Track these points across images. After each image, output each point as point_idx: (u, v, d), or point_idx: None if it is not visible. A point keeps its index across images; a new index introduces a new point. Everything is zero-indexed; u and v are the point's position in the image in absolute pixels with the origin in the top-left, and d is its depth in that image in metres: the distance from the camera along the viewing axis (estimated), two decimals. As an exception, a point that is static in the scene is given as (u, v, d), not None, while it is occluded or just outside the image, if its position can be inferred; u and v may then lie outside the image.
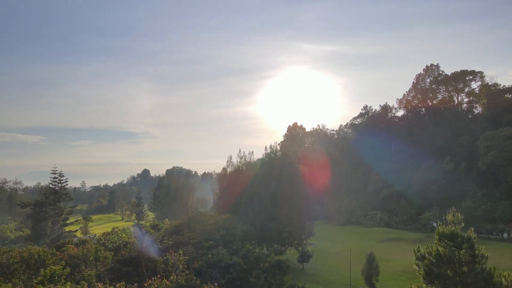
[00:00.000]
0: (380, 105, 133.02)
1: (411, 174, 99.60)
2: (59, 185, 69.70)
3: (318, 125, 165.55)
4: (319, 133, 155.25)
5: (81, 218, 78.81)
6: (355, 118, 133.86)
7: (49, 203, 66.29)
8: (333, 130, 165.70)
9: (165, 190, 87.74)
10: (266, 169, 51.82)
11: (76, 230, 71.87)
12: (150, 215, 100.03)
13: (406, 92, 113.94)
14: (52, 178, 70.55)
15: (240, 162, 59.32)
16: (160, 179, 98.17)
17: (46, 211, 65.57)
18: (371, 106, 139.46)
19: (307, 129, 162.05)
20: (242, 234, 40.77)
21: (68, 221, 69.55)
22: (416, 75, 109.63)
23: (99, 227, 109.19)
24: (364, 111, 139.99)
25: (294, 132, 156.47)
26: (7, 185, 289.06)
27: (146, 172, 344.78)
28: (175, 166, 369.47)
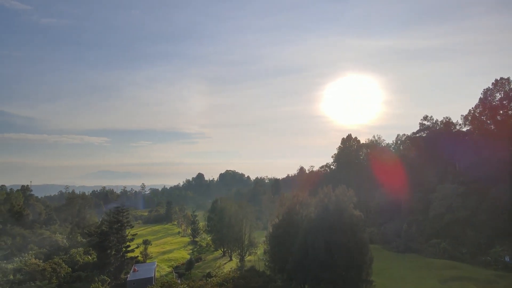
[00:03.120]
0: (443, 118, 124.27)
1: (479, 199, 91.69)
2: (122, 214, 73.67)
3: (374, 136, 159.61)
4: (375, 146, 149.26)
5: (141, 242, 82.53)
6: (414, 133, 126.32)
7: (112, 232, 70.36)
8: (389, 143, 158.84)
9: (219, 214, 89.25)
10: (320, 214, 50.30)
11: (137, 256, 75.46)
12: (207, 238, 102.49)
13: (472, 107, 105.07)
14: (115, 208, 75.05)
15: (293, 202, 58.43)
16: (214, 201, 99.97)
17: (110, 239, 69.66)
18: (431, 116, 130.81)
19: (362, 140, 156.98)
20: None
21: (129, 248, 73.26)
22: (484, 89, 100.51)
23: (157, 242, 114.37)
24: (424, 123, 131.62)
25: (348, 145, 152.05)
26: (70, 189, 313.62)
27: (200, 176, 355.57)
28: (228, 170, 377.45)
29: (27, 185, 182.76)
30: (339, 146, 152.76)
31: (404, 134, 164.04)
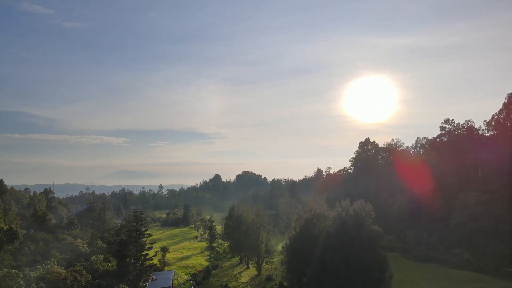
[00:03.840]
0: (465, 121, 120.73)
1: (504, 208, 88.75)
2: (140, 222, 74.62)
3: (393, 140, 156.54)
4: (393, 150, 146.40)
5: (159, 249, 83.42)
6: (435, 138, 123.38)
7: (131, 241, 71.32)
8: (408, 146, 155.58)
9: (236, 222, 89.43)
10: (338, 229, 49.61)
11: (155, 265, 76.28)
12: (224, 244, 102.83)
13: (496, 113, 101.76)
14: (133, 216, 76.10)
15: (310, 215, 57.87)
16: (231, 208, 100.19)
17: (129, 248, 70.64)
18: (452, 119, 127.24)
19: (380, 143, 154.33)
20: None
21: (147, 256, 74.13)
22: (508, 94, 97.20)
23: (175, 246, 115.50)
24: (444, 126, 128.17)
25: (366, 148, 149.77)
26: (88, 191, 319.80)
27: (217, 177, 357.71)
28: (245, 171, 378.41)
29: (50, 188, 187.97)
30: (357, 150, 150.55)
31: (424, 137, 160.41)
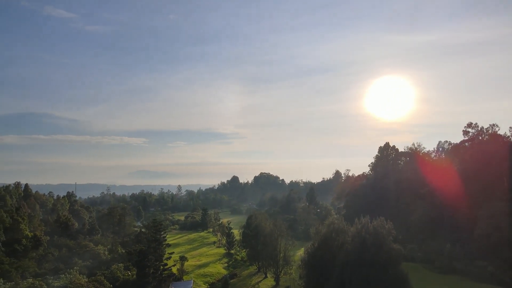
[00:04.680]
0: (489, 125, 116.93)
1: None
2: (159, 233, 75.50)
3: (413, 144, 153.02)
4: (414, 155, 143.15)
5: (178, 258, 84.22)
6: (458, 144, 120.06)
7: (150, 251, 72.24)
8: (430, 150, 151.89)
9: (254, 231, 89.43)
10: (358, 247, 48.80)
11: (174, 274, 77.04)
12: (242, 252, 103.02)
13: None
14: (153, 226, 77.15)
15: (328, 230, 57.19)
16: (249, 217, 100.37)
17: (149, 258, 71.56)
18: (476, 123, 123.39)
19: (401, 148, 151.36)
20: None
21: (166, 266, 74.93)
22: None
23: (193, 252, 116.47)
24: (468, 130, 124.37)
25: (386, 154, 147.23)
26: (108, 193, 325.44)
27: (235, 179, 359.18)
28: (263, 172, 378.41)
29: (72, 191, 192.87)
30: (376, 155, 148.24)
31: (446, 141, 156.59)
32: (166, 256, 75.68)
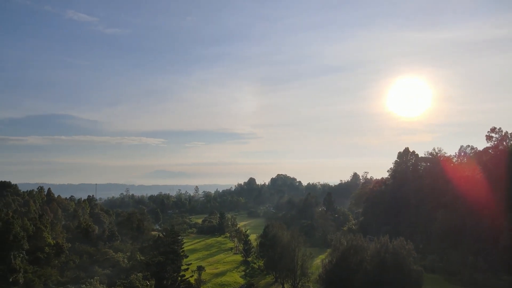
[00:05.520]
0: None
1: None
2: (177, 244, 76.13)
3: (434, 149, 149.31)
4: (435, 160, 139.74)
5: (195, 268, 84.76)
6: (481, 151, 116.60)
7: (168, 263, 72.92)
8: (452, 154, 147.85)
9: (271, 241, 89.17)
10: (377, 267, 47.84)
11: (192, 285, 77.52)
12: (259, 261, 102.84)
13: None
14: (170, 237, 77.86)
15: (347, 247, 56.34)
16: (266, 226, 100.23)
17: (167, 269, 72.28)
18: (500, 128, 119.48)
19: (421, 153, 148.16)
20: None
21: (184, 277, 75.49)
22: None
23: (211, 259, 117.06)
24: (491, 135, 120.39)
25: (405, 159, 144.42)
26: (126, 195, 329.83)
27: (251, 180, 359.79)
28: (279, 174, 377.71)
29: (93, 195, 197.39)
30: (395, 161, 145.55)
31: (468, 145, 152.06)
32: (183, 267, 76.21)
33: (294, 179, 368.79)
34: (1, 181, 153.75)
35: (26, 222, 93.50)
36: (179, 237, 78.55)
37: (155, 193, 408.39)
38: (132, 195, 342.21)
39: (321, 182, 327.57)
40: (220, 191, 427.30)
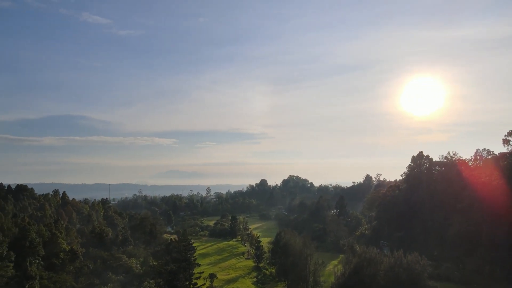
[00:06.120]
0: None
1: None
2: (189, 252, 76.43)
3: (449, 153, 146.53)
4: (450, 165, 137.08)
5: (208, 276, 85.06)
6: (498, 156, 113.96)
7: (180, 271, 73.22)
8: (467, 158, 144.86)
9: (283, 249, 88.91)
10: (391, 283, 47.12)
11: (204, 293, 77.78)
12: (271, 268, 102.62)
13: None
14: (183, 246, 78.18)
15: (360, 259, 55.67)
16: (278, 233, 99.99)
17: (179, 278, 72.57)
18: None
19: (435, 157, 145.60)
20: None
21: (196, 286, 75.71)
22: None
23: (222, 265, 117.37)
24: (508, 139, 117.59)
25: (419, 163, 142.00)
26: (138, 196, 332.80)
27: (263, 182, 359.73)
28: (291, 175, 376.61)
29: (106, 198, 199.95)
30: (409, 165, 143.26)
31: (484, 149, 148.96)
32: (195, 275, 76.41)
33: (306, 180, 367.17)
34: (18, 185, 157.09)
35: (42, 228, 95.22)
36: (191, 244, 78.52)
37: (168, 193, 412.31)
38: (145, 196, 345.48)
39: (333, 184, 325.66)
40: (232, 191, 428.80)
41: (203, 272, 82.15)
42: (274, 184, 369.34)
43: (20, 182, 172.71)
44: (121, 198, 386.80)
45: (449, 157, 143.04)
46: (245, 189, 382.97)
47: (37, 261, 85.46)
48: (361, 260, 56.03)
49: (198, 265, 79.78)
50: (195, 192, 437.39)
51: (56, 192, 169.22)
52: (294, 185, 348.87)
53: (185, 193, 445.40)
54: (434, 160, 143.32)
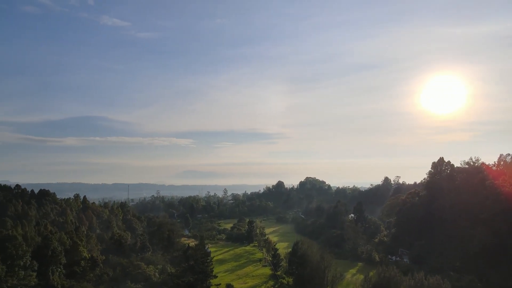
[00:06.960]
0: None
1: None
2: (206, 263, 76.76)
3: (471, 158, 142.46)
4: (473, 171, 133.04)
5: (225, 287, 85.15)
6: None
7: (197, 283, 73.69)
8: (490, 164, 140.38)
9: (301, 259, 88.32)
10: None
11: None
12: (289, 278, 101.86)
13: None
14: (200, 255, 78.75)
15: (379, 278, 54.55)
16: (295, 243, 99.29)
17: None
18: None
19: (457, 164, 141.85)
20: None
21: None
22: None
23: (239, 272, 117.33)
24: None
25: (440, 170, 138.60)
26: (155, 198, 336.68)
27: (280, 184, 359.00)
28: (308, 176, 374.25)
29: (125, 201, 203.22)
30: (429, 171, 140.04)
31: (509, 154, 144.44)
32: (213, 287, 76.79)
33: (323, 182, 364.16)
34: (41, 190, 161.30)
35: (63, 236, 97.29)
36: (209, 253, 78.78)
37: (185, 193, 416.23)
38: (163, 198, 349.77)
39: (351, 186, 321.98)
40: (248, 192, 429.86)
41: (220, 284, 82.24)
42: (291, 186, 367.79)
43: (42, 182, 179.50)
44: (139, 199, 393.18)
45: (471, 163, 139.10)
46: (261, 190, 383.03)
47: (59, 269, 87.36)
48: (380, 279, 54.92)
49: (215, 276, 79.89)
50: (212, 193, 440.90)
51: (77, 196, 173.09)
52: (311, 187, 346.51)
53: (202, 194, 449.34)
54: (455, 166, 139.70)
